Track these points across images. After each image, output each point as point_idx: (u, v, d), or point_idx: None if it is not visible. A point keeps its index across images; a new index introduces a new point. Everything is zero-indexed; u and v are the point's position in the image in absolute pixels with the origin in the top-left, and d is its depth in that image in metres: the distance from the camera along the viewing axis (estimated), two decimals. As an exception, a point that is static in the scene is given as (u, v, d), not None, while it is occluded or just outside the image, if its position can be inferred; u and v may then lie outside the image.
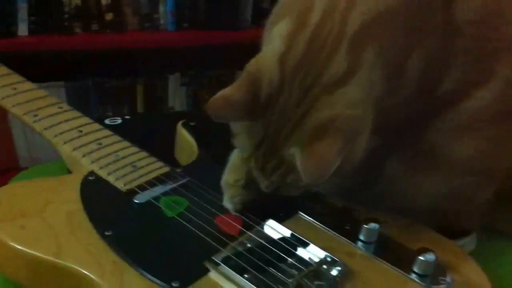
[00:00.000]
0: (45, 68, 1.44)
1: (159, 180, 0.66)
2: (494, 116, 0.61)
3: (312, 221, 0.63)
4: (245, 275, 0.53)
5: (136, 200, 0.62)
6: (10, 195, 0.62)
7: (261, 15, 1.64)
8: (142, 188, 0.64)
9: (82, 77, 1.62)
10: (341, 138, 0.51)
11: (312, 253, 0.57)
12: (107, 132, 0.73)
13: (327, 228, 0.62)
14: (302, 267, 0.55)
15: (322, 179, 0.51)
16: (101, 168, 0.66)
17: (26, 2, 1.45)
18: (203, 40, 1.66)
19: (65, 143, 0.69)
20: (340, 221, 0.63)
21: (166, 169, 0.68)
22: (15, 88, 0.76)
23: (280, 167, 0.56)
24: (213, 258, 0.55)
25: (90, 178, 0.65)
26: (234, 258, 0.55)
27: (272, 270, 0.54)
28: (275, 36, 0.56)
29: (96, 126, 0.74)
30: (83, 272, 0.52)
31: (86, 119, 0.74)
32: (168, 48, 1.67)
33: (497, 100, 0.60)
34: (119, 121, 0.82)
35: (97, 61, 1.60)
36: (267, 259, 0.56)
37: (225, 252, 0.56)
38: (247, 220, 0.61)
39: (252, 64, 0.56)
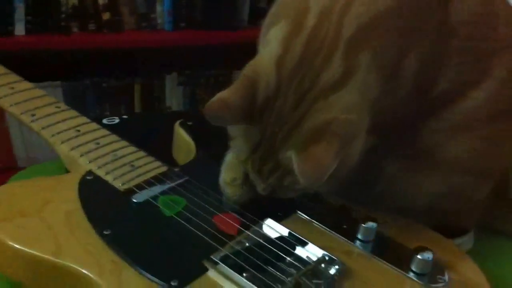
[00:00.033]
0: (42, 68, 1.44)
1: (157, 180, 0.66)
2: (489, 116, 0.61)
3: (310, 220, 0.63)
4: (244, 274, 0.53)
5: (134, 199, 0.62)
6: (8, 195, 0.62)
7: (258, 15, 1.65)
8: (140, 187, 0.64)
9: (79, 77, 1.62)
10: (337, 141, 0.51)
11: (310, 252, 0.57)
12: (105, 131, 0.73)
13: (325, 227, 0.62)
14: (301, 266, 0.55)
15: (319, 182, 0.51)
16: (99, 167, 0.66)
17: (23, 1, 1.46)
18: (200, 39, 1.66)
19: (62, 142, 0.69)
20: (338, 220, 0.63)
21: (164, 168, 0.68)
22: (12, 88, 0.76)
23: (277, 170, 0.56)
24: (211, 257, 0.55)
25: (88, 177, 0.65)
26: (233, 257, 0.55)
27: (270, 269, 0.54)
28: (272, 39, 0.56)
29: (94, 125, 0.74)
30: (82, 271, 0.52)
31: (83, 119, 0.74)
32: (165, 48, 1.67)
33: (492, 100, 0.60)
34: (116, 120, 0.82)
35: (94, 61, 1.60)
36: (266, 258, 0.56)
37: (223, 251, 0.56)
38: (246, 219, 0.61)
39: (249, 68, 0.56)
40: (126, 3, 1.57)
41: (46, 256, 0.54)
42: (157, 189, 0.64)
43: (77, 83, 1.62)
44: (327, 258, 0.57)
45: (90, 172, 0.65)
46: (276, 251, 0.57)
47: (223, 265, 0.54)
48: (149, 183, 0.65)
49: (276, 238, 0.59)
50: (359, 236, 0.60)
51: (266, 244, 0.58)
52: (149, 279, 0.52)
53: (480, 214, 0.71)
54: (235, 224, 0.60)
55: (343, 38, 0.53)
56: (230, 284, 0.53)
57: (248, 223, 0.60)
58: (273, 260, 0.55)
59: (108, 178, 0.65)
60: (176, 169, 0.69)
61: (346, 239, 0.60)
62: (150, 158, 0.70)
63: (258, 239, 0.58)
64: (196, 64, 1.74)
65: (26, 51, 1.50)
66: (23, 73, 0.80)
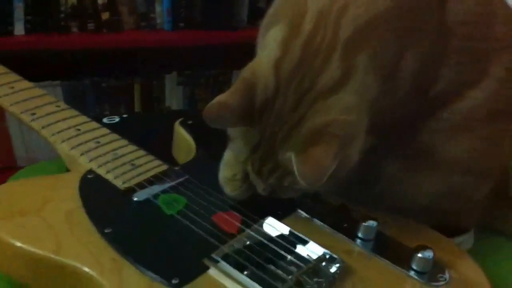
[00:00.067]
0: (42, 68, 1.44)
1: (157, 178, 0.66)
2: (488, 116, 0.61)
3: (311, 218, 0.63)
4: (245, 272, 0.53)
5: (135, 198, 0.62)
6: (8, 194, 0.62)
7: (257, 15, 1.65)
8: (140, 186, 0.64)
9: (79, 77, 1.62)
10: (336, 143, 0.51)
11: (311, 250, 0.57)
12: (105, 130, 0.73)
13: (325, 226, 0.62)
14: (301, 264, 0.55)
15: (319, 183, 0.51)
16: (99, 166, 0.66)
17: (22, 1, 1.45)
18: (200, 39, 1.66)
19: (63, 141, 0.69)
20: (339, 219, 0.63)
21: (164, 167, 0.69)
22: (12, 87, 0.76)
23: (277, 170, 0.56)
24: (212, 255, 0.55)
25: (89, 176, 0.65)
26: (234, 255, 0.55)
27: (271, 267, 0.54)
28: (270, 41, 0.57)
29: (94, 124, 0.74)
30: (83, 269, 0.52)
31: (84, 118, 0.74)
32: (164, 48, 1.67)
33: (491, 99, 0.60)
34: (117, 119, 0.82)
35: (93, 61, 1.60)
36: (267, 256, 0.56)
37: (224, 250, 0.56)
38: (246, 217, 0.61)
39: (247, 70, 0.56)
40: (125, 3, 1.57)
41: (47, 254, 0.54)
42: (157, 188, 0.64)
43: (76, 83, 1.62)
44: (327, 256, 0.57)
45: (90, 171, 0.65)
46: (277, 249, 0.57)
47: (224, 263, 0.54)
48: (150, 181, 0.65)
49: (277, 237, 0.59)
50: (360, 235, 0.60)
51: (267, 243, 0.58)
52: (150, 277, 0.52)
53: (480, 214, 0.71)
54: (236, 223, 0.60)
55: (341, 40, 0.54)
56: (231, 282, 0.53)
57: (248, 221, 0.60)
58: (274, 258, 0.56)
59: (109, 177, 0.65)
60: (177, 168, 0.69)
61: (346, 238, 0.60)
62: (150, 157, 0.70)
63: (259, 237, 0.58)
64: (196, 64, 1.73)
65: (25, 50, 1.50)
66: (22, 73, 0.80)
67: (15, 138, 1.57)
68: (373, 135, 0.57)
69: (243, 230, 0.59)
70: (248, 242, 0.58)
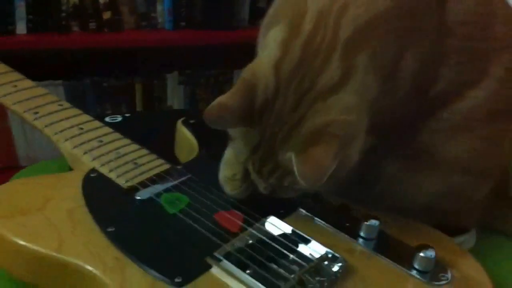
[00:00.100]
0: (43, 67, 1.44)
1: (160, 177, 0.66)
2: (488, 116, 0.61)
3: (313, 217, 0.63)
4: (247, 271, 0.53)
5: (138, 197, 0.62)
6: (11, 193, 0.62)
7: (258, 15, 1.65)
8: (143, 185, 0.64)
9: (80, 76, 1.62)
10: (336, 143, 0.51)
11: (313, 249, 0.58)
12: (108, 129, 0.73)
13: (327, 225, 0.62)
14: (303, 263, 0.55)
15: (319, 183, 0.51)
16: (102, 165, 0.66)
17: (24, 0, 1.45)
18: (201, 39, 1.66)
19: (66, 140, 0.69)
20: (341, 218, 0.63)
21: (167, 166, 0.69)
22: (15, 86, 0.76)
23: (277, 170, 0.56)
24: (215, 254, 0.55)
25: (92, 175, 0.65)
26: (236, 254, 0.55)
27: (273, 266, 0.54)
28: (270, 42, 0.57)
29: (97, 123, 0.74)
30: (85, 268, 0.53)
31: (86, 117, 0.75)
32: (165, 47, 1.67)
33: (491, 99, 0.60)
34: (119, 118, 0.82)
35: (95, 60, 1.60)
36: (269, 255, 0.56)
37: (226, 248, 0.56)
38: (248, 216, 0.61)
39: (247, 71, 0.56)
40: (126, 2, 1.57)
41: (49, 253, 0.54)
42: (160, 186, 0.64)
43: (78, 82, 1.62)
44: (330, 255, 0.57)
45: (93, 170, 0.66)
46: (279, 248, 0.57)
47: (226, 262, 0.54)
48: (152, 180, 0.65)
49: (279, 235, 0.59)
50: (362, 234, 0.60)
51: (269, 241, 0.58)
52: (153, 275, 0.52)
53: (480, 214, 0.71)
54: (238, 222, 0.60)
55: (341, 40, 0.54)
56: (233, 281, 0.53)
57: (251, 220, 0.61)
58: (276, 257, 0.56)
59: (112, 176, 0.65)
60: (179, 167, 0.69)
61: (348, 237, 0.61)
62: (153, 156, 0.70)
63: (261, 236, 0.58)
64: (197, 63, 1.74)
65: (27, 50, 1.50)
66: (24, 72, 0.80)
67: (17, 137, 1.57)
68: (373, 135, 0.57)
69: (245, 229, 0.59)
70: (250, 241, 0.58)
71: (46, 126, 0.71)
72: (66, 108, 0.75)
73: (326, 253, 0.57)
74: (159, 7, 1.62)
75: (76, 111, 0.75)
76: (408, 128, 0.61)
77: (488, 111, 0.61)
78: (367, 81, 0.54)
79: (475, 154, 0.62)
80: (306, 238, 0.59)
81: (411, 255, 0.57)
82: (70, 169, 0.70)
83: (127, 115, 0.84)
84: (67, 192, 0.62)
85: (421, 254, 0.56)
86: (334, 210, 0.65)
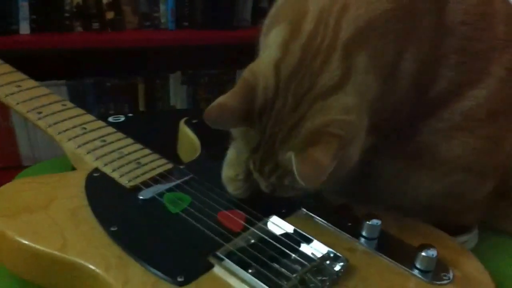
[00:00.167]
0: (47, 67, 1.44)
1: (162, 177, 0.66)
2: (488, 115, 0.61)
3: (315, 217, 0.63)
4: (249, 270, 0.53)
5: (141, 196, 0.62)
6: (14, 192, 0.62)
7: (260, 15, 1.65)
8: (146, 184, 0.64)
9: (83, 76, 1.62)
10: (335, 143, 0.52)
11: (315, 248, 0.58)
12: (111, 129, 0.73)
13: (329, 224, 0.62)
14: (305, 263, 0.55)
15: (317, 183, 0.51)
16: (105, 165, 0.66)
17: (27, 0, 1.46)
18: (203, 39, 1.66)
19: (69, 140, 0.70)
20: (343, 217, 0.63)
21: (170, 166, 0.69)
22: (19, 86, 0.76)
23: (277, 170, 0.57)
24: (217, 253, 0.55)
25: (95, 174, 0.65)
26: (238, 253, 0.56)
27: (275, 265, 0.55)
28: (271, 42, 0.57)
29: (100, 123, 0.74)
30: (88, 267, 0.53)
31: (89, 117, 0.75)
32: (168, 47, 1.67)
33: (491, 99, 0.60)
34: (122, 118, 0.83)
35: (98, 60, 1.60)
36: (271, 255, 0.56)
37: (229, 248, 0.56)
38: (250, 216, 0.61)
39: (248, 71, 0.56)
40: (129, 2, 1.58)
41: (53, 252, 0.54)
42: (162, 186, 0.65)
43: (80, 82, 1.63)
44: (332, 255, 0.57)
45: (96, 169, 0.66)
46: (281, 247, 0.57)
47: (229, 261, 0.54)
48: (155, 180, 0.65)
49: (281, 235, 0.59)
50: (364, 233, 0.60)
51: (271, 241, 0.58)
52: (155, 275, 0.52)
53: (481, 213, 0.71)
54: (240, 221, 0.61)
55: (341, 40, 0.54)
56: (236, 280, 0.53)
57: (253, 219, 0.61)
58: (278, 257, 0.56)
59: (115, 175, 0.65)
60: (182, 167, 0.70)
61: (350, 236, 0.61)
62: (156, 156, 0.70)
63: (263, 235, 0.59)
64: (199, 63, 1.74)
65: (30, 50, 1.50)
66: (27, 72, 0.80)
67: (20, 137, 1.58)
68: (373, 135, 0.57)
69: (248, 229, 0.59)
70: (252, 241, 0.58)
71: (49, 126, 0.71)
72: (69, 108, 0.75)
73: (328, 253, 0.57)
74: (162, 7, 1.62)
75: (79, 111, 0.75)
76: (408, 127, 0.61)
77: (489, 111, 0.61)
78: (367, 81, 0.54)
79: (476, 154, 0.62)
80: (308, 237, 0.59)
81: (413, 255, 0.57)
82: (73, 168, 0.70)
83: (130, 115, 0.85)
84: (70, 191, 0.63)
85: (423, 253, 0.56)
86: (336, 210, 0.65)
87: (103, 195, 0.63)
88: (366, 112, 0.55)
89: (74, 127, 0.72)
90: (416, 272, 0.57)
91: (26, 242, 0.55)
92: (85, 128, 0.72)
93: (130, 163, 0.67)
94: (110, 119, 0.80)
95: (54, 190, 0.63)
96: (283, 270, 0.54)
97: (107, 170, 0.66)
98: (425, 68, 0.58)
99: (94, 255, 0.54)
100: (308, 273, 0.54)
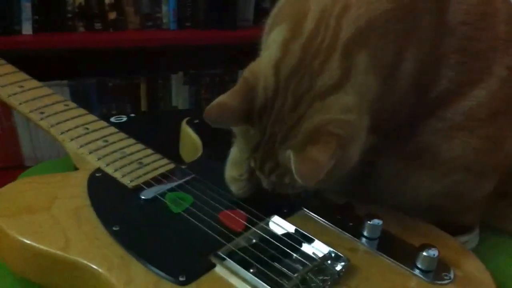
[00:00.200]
0: (49, 67, 1.45)
1: (164, 177, 0.67)
2: (489, 115, 0.61)
3: (316, 217, 0.63)
4: (251, 270, 0.53)
5: (143, 196, 0.63)
6: (17, 192, 0.63)
7: (262, 15, 1.65)
8: (148, 184, 0.65)
9: (86, 76, 1.63)
10: (334, 142, 0.52)
11: (317, 248, 0.58)
12: (113, 129, 0.73)
13: (331, 224, 0.62)
14: (307, 262, 0.56)
15: (315, 182, 0.51)
16: (107, 165, 0.66)
17: (30, 1, 1.46)
18: (205, 39, 1.66)
19: (72, 140, 0.70)
20: (344, 217, 0.63)
21: (172, 166, 0.69)
22: (21, 86, 0.76)
23: (277, 168, 0.57)
24: (218, 253, 0.55)
25: (97, 174, 0.65)
26: (240, 253, 0.56)
27: (277, 265, 0.55)
28: (272, 43, 0.57)
29: (102, 123, 0.74)
30: (91, 266, 0.53)
31: (92, 117, 0.75)
32: (170, 47, 1.67)
33: (492, 99, 0.60)
34: (124, 119, 0.83)
35: (100, 60, 1.61)
36: (272, 254, 0.56)
37: (230, 247, 0.56)
38: (252, 216, 0.62)
39: (248, 71, 0.57)
40: (131, 3, 1.58)
41: (55, 251, 0.54)
42: (164, 186, 0.65)
43: (83, 82, 1.63)
44: (333, 254, 0.57)
45: (99, 169, 0.66)
46: (283, 247, 0.57)
47: (230, 260, 0.55)
48: (157, 180, 0.66)
49: (283, 235, 0.59)
50: (365, 233, 0.60)
51: (273, 241, 0.58)
52: (157, 274, 0.53)
53: (482, 213, 0.71)
54: (242, 221, 0.61)
55: (341, 40, 0.54)
56: (237, 279, 0.53)
57: (254, 219, 0.61)
58: (280, 256, 0.56)
59: (117, 175, 0.65)
60: (183, 167, 0.70)
61: (351, 236, 0.61)
62: (158, 156, 0.70)
63: (265, 235, 0.59)
64: (201, 63, 1.74)
65: (33, 50, 1.51)
66: (30, 72, 0.80)
67: (22, 137, 1.58)
68: (373, 135, 0.57)
69: (249, 228, 0.60)
70: (254, 240, 0.58)
71: (51, 126, 0.71)
72: (71, 108, 0.75)
73: (329, 252, 0.57)
74: (164, 8, 1.62)
75: (81, 111, 0.76)
76: (409, 127, 0.62)
77: (490, 110, 0.61)
78: (367, 81, 0.54)
79: (476, 154, 0.62)
80: (309, 237, 0.59)
81: (414, 255, 0.57)
82: (75, 168, 0.70)
83: (132, 115, 0.85)
84: (73, 191, 0.63)
85: (424, 253, 0.57)
86: (337, 210, 0.65)
87: (105, 195, 0.63)
88: (366, 112, 0.55)
89: (77, 127, 0.72)
90: (417, 272, 0.57)
91: (28, 242, 0.55)
92: (87, 128, 0.72)
93: (132, 163, 0.68)
94: (112, 119, 0.81)
95: (57, 190, 0.63)
96: (284, 269, 0.54)
97: (109, 170, 0.66)
98: (425, 68, 0.58)
99: (96, 254, 0.54)
100: (309, 273, 0.54)
